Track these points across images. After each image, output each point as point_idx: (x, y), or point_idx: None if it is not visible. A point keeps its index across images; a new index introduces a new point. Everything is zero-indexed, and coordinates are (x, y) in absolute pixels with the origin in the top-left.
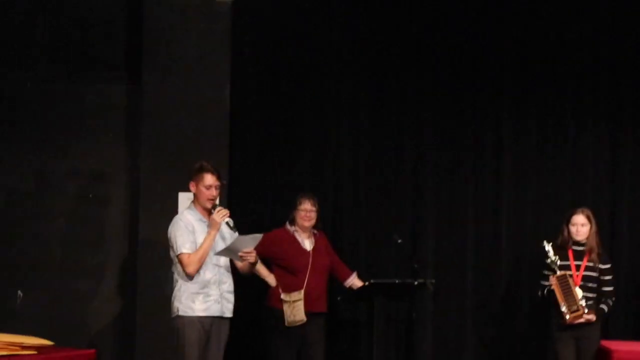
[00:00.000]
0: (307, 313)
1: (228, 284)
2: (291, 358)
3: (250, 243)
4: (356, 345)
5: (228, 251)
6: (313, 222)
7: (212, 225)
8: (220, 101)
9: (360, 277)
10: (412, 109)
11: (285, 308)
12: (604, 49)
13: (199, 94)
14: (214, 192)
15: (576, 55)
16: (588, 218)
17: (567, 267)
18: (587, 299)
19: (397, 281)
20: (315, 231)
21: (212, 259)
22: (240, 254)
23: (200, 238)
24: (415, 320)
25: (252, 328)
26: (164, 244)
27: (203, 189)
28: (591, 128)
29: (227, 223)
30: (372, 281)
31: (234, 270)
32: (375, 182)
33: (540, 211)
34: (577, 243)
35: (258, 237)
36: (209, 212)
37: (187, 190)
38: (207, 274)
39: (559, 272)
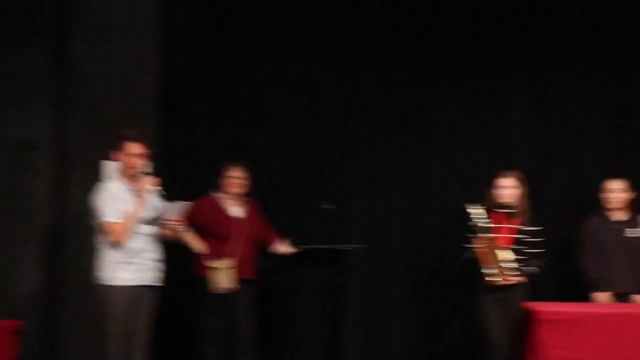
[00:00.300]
0: (236, 280)
1: (155, 251)
2: (221, 325)
3: (178, 211)
4: (286, 312)
5: (156, 220)
6: (242, 189)
7: (140, 194)
8: (149, 68)
9: (289, 243)
10: (340, 74)
11: (215, 275)
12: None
13: (127, 61)
14: (139, 161)
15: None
16: (516, 180)
17: (494, 230)
18: (514, 261)
19: (326, 247)
20: (245, 199)
21: (140, 227)
22: (167, 222)
23: (127, 206)
24: (344, 285)
25: (181, 296)
26: (90, 214)
27: (129, 158)
28: (518, 91)
29: (156, 191)
30: (301, 247)
31: (161, 238)
32: (305, 148)
33: (468, 174)
34: (505, 206)
35: (185, 205)
36: (135, 180)
37: (113, 157)
38: (134, 242)
39: (484, 235)
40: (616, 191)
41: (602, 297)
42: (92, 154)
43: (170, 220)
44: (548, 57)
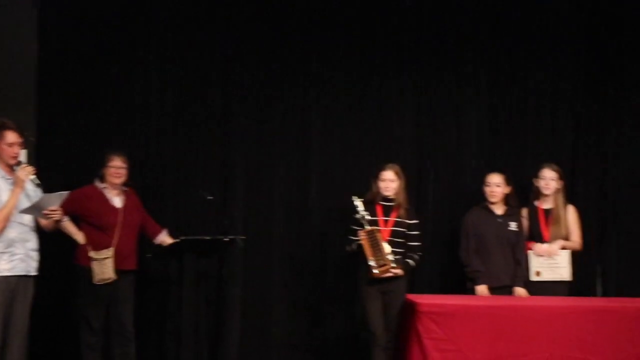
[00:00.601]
0: (116, 271)
1: (32, 242)
2: (100, 316)
3: (56, 201)
4: (166, 302)
5: (33, 209)
6: (123, 179)
7: (16, 183)
8: (26, 56)
9: (170, 234)
10: (219, 63)
11: (94, 266)
12: None
13: (4, 48)
14: (16, 149)
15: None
16: (396, 174)
17: (376, 222)
18: (394, 253)
19: (207, 238)
20: (125, 188)
21: (17, 217)
22: (45, 212)
23: (3, 196)
24: (225, 276)
25: (60, 286)
26: None
27: (5, 147)
28: (397, 87)
29: (32, 180)
30: (182, 238)
31: (39, 227)
32: (184, 138)
33: (349, 166)
34: (386, 198)
35: (64, 194)
36: (12, 168)
37: None
38: (11, 232)
39: (367, 227)
40: (496, 185)
41: (482, 289)
42: None
43: (49, 210)
44: (429, 53)
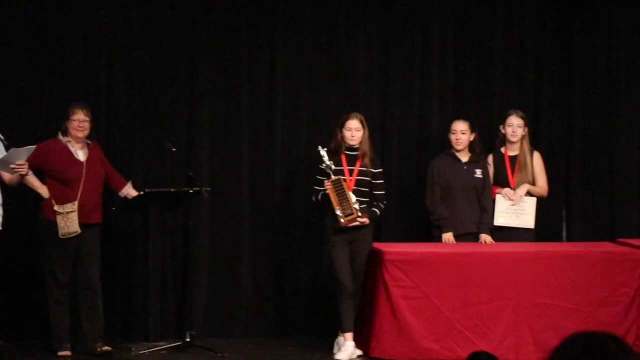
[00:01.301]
0: (81, 224)
1: None
2: (66, 270)
3: (23, 155)
4: (132, 255)
5: (1, 163)
6: (86, 132)
7: None
8: None
9: (135, 186)
10: (185, 18)
11: (59, 220)
12: None
13: None
14: None
15: None
16: (361, 122)
17: (341, 172)
18: (360, 202)
19: (172, 190)
20: (89, 141)
21: None
22: (12, 166)
23: None
24: (191, 228)
25: (25, 241)
26: None
27: None
28: (362, 34)
29: None
30: (147, 190)
31: (2, 182)
32: (149, 89)
33: (314, 116)
34: (350, 148)
35: (31, 149)
36: None
37: None
38: None
39: (333, 177)
40: (462, 132)
41: (448, 237)
42: None
43: (16, 164)
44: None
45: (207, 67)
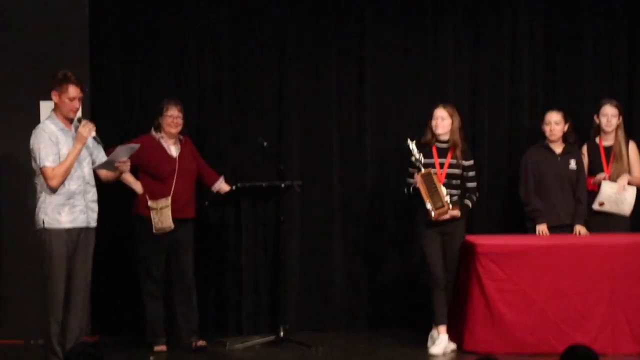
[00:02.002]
0: (175, 219)
1: (92, 193)
2: (160, 265)
3: (127, 153)
4: (225, 250)
5: (107, 164)
6: (179, 128)
7: (78, 139)
8: (79, 5)
9: (227, 181)
10: (275, 10)
11: (153, 215)
12: None
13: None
14: (77, 104)
15: None
16: (448, 112)
17: (432, 165)
18: (451, 195)
19: (263, 184)
20: (181, 137)
21: (77, 170)
22: (117, 164)
23: (64, 149)
24: (282, 222)
25: (120, 237)
26: (25, 156)
27: (67, 101)
28: (451, 26)
29: (94, 138)
30: (238, 185)
31: (97, 178)
32: (239, 84)
33: (405, 108)
34: (441, 140)
35: (135, 147)
36: (71, 121)
37: (48, 98)
38: (71, 185)
39: (423, 170)
40: (555, 123)
41: (542, 228)
42: (23, 95)
43: (119, 162)
44: None
45: (296, 63)
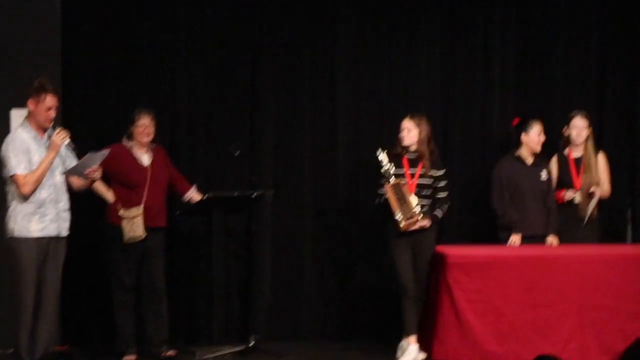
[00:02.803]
0: (146, 228)
1: (64, 202)
2: (131, 273)
3: (97, 160)
4: (196, 259)
5: (76, 170)
6: (151, 137)
7: (52, 147)
8: (52, 12)
9: (199, 190)
10: (248, 19)
11: (124, 224)
12: None
13: (28, 5)
14: (53, 113)
15: None
16: (415, 123)
17: (402, 175)
18: (421, 205)
19: (235, 193)
20: (153, 145)
21: (49, 178)
22: (86, 172)
23: (35, 157)
24: (254, 232)
25: (91, 245)
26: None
27: (43, 110)
28: (423, 37)
29: (67, 145)
30: (210, 194)
31: (70, 187)
32: (212, 94)
33: (377, 119)
34: (411, 151)
35: (105, 153)
36: (45, 130)
37: (20, 106)
38: (42, 193)
39: (393, 180)
40: (542, 134)
41: (517, 238)
42: None
43: (89, 170)
44: (457, 2)
45: (269, 72)
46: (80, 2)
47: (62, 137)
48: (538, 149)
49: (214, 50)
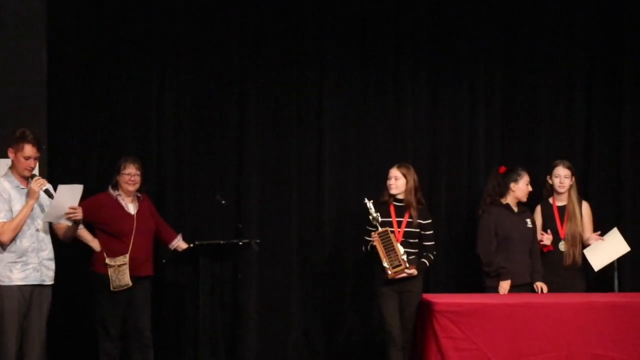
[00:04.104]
0: (132, 277)
1: (47, 251)
2: (117, 323)
3: (71, 195)
4: (182, 307)
5: (54, 210)
6: (137, 186)
7: (30, 195)
8: (37, 64)
9: (185, 238)
10: (235, 69)
11: (111, 273)
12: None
13: (14, 57)
14: (32, 162)
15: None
16: (402, 172)
17: (389, 223)
18: (408, 254)
19: (221, 242)
20: (139, 194)
21: (31, 227)
22: (66, 212)
23: (17, 206)
24: (240, 280)
25: (76, 294)
26: None
27: (22, 159)
28: (410, 86)
29: (46, 191)
30: (196, 242)
31: (55, 238)
32: (199, 143)
33: (362, 167)
34: (398, 199)
35: (78, 187)
36: (27, 179)
37: (5, 156)
38: (24, 242)
39: (380, 229)
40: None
41: (507, 285)
42: None
43: (69, 209)
44: (442, 52)
45: (256, 120)
46: (65, 53)
47: (39, 184)
48: (525, 199)
49: (201, 99)
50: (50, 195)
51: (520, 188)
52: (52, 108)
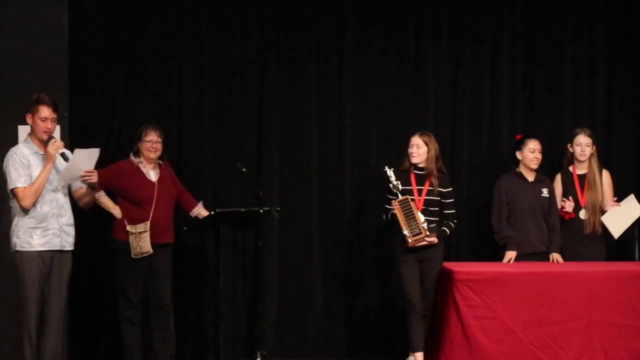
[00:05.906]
0: (153, 244)
1: (67, 217)
2: (138, 290)
3: (88, 158)
4: (203, 274)
5: (69, 172)
6: (159, 153)
7: (47, 158)
8: (58, 29)
9: (205, 206)
10: (254, 33)
11: (131, 240)
12: None
13: (36, 23)
14: (49, 124)
15: None
16: (424, 141)
17: (410, 192)
18: (429, 222)
19: (242, 209)
20: (160, 162)
21: (50, 193)
22: (81, 174)
23: (36, 171)
24: (261, 247)
25: (97, 261)
26: (2, 180)
27: (39, 121)
28: (431, 52)
29: (63, 155)
30: (217, 210)
31: (75, 205)
32: (219, 110)
33: (384, 135)
34: (419, 167)
35: (95, 151)
36: (45, 144)
37: (26, 123)
38: (44, 207)
39: (400, 197)
40: (539, 151)
41: (511, 255)
42: (1, 119)
43: (84, 172)
44: (462, 24)
45: (277, 89)
46: (86, 19)
47: (55, 147)
48: (532, 166)
49: (223, 67)
50: (66, 159)
51: (525, 155)
52: (73, 75)
